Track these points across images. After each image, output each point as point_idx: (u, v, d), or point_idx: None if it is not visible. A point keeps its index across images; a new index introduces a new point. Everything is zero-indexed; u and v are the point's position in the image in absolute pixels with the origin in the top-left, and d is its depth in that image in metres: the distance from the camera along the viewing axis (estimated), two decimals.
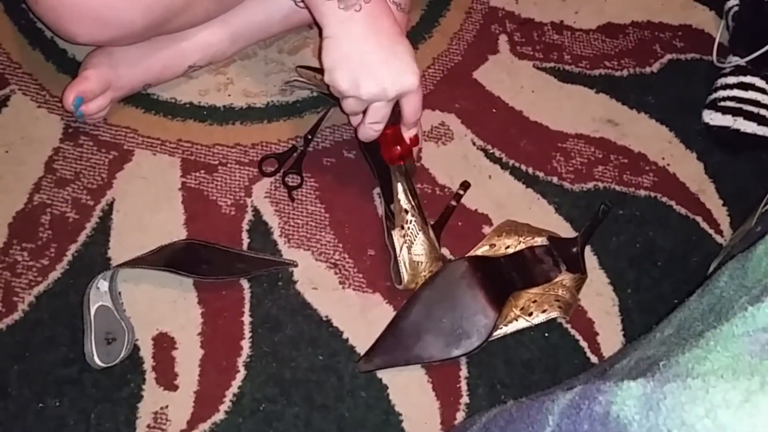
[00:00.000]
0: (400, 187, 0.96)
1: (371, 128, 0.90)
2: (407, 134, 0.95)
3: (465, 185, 1.04)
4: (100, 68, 0.97)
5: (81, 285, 0.90)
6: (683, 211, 1.09)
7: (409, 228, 0.95)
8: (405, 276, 0.95)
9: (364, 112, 0.90)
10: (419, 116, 0.92)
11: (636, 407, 0.48)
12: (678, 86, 1.20)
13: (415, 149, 0.97)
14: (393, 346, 0.93)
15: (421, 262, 0.95)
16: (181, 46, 1.00)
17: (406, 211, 0.96)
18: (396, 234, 0.96)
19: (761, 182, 1.09)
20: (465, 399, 0.93)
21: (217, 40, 1.03)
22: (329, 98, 0.99)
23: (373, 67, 0.84)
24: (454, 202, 1.03)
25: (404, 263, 0.95)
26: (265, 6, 1.04)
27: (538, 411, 0.56)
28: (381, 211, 1.01)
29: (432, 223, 1.00)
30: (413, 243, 0.95)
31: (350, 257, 0.99)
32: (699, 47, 1.24)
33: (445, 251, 1.01)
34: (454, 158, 1.07)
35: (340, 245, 0.99)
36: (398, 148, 0.94)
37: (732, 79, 1.15)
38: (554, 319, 0.97)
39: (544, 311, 0.95)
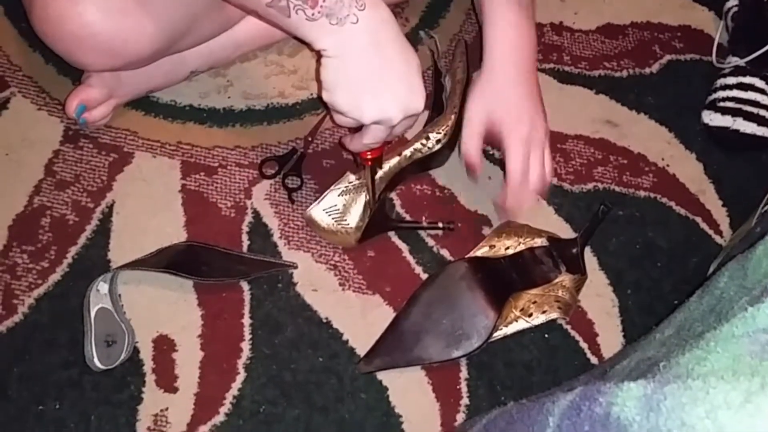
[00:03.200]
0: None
1: (365, 146, 0.85)
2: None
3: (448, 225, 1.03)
4: (102, 76, 0.97)
5: (81, 287, 0.90)
6: (683, 211, 1.09)
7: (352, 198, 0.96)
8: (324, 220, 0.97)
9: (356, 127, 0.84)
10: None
11: (636, 408, 0.48)
12: (677, 87, 1.20)
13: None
14: (393, 347, 0.93)
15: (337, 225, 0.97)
16: (183, 53, 1.00)
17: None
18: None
19: (761, 183, 1.09)
20: (465, 400, 0.93)
21: (220, 47, 1.03)
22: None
23: (377, 90, 0.76)
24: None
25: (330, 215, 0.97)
26: None
27: (538, 412, 0.56)
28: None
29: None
30: (349, 210, 0.96)
31: (350, 259, 0.99)
32: (698, 48, 1.24)
33: (444, 253, 1.01)
34: (454, 160, 1.07)
35: (340, 247, 0.99)
36: (375, 153, 0.90)
37: (731, 80, 1.15)
38: (554, 320, 0.97)
39: (543, 312, 0.95)
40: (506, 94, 0.97)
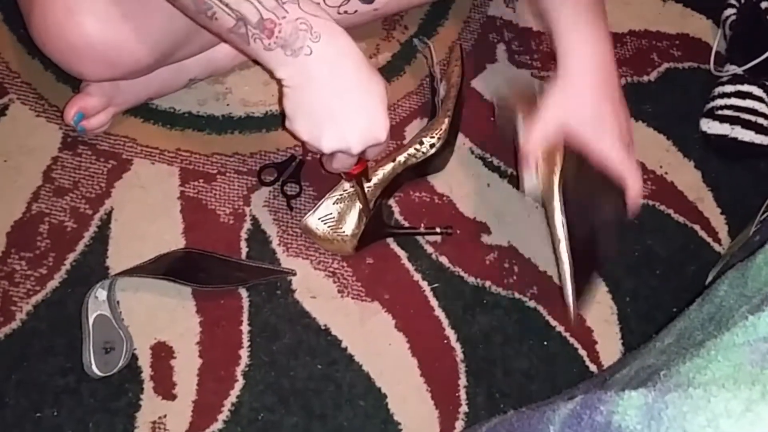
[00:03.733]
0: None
1: (336, 170, 0.86)
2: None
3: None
4: (101, 84, 0.97)
5: (79, 294, 0.90)
6: (681, 219, 1.09)
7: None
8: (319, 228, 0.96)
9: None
10: (382, 155, 0.87)
11: (638, 417, 0.48)
12: (675, 95, 1.20)
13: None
14: (586, 267, 0.91)
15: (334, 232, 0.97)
16: (183, 61, 1.00)
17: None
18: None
19: (759, 190, 1.09)
20: (464, 408, 0.92)
21: (218, 55, 1.03)
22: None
23: (336, 121, 0.76)
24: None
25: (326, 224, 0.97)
26: None
27: (539, 421, 0.56)
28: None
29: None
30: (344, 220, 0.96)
31: (349, 266, 0.99)
32: (696, 56, 1.24)
33: (443, 260, 1.01)
34: (453, 167, 1.07)
35: (339, 254, 0.99)
36: (354, 170, 0.89)
37: (729, 88, 1.16)
38: (553, 329, 0.97)
39: None
40: (586, 100, 0.90)
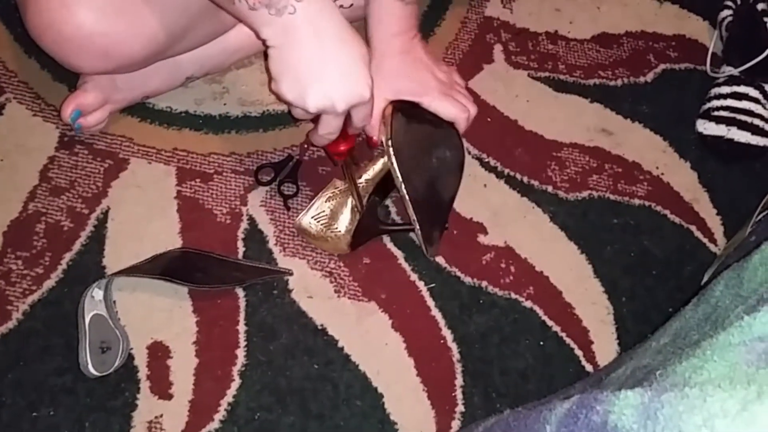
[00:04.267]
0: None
1: (324, 137, 0.87)
2: (353, 131, 0.92)
3: None
4: (98, 82, 0.97)
5: (76, 294, 0.90)
6: (677, 220, 1.09)
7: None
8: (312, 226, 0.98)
9: (315, 119, 0.85)
10: (369, 122, 0.89)
11: (634, 416, 0.48)
12: (672, 96, 1.20)
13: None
14: (430, 217, 0.99)
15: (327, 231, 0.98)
16: (179, 58, 1.00)
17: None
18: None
19: (755, 191, 1.09)
20: (460, 408, 0.93)
21: (215, 53, 1.03)
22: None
23: (320, 79, 0.78)
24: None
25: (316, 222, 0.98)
26: None
27: (535, 420, 0.56)
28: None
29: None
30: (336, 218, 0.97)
31: (345, 266, 0.99)
32: (693, 57, 1.24)
33: (440, 260, 1.01)
34: None
35: (335, 254, 0.99)
36: (342, 144, 0.91)
37: (725, 89, 1.16)
38: (549, 329, 0.98)
39: None
40: (399, 68, 1.00)
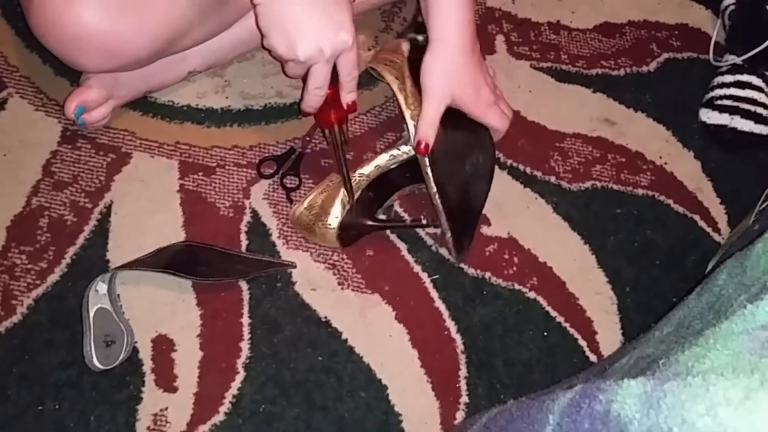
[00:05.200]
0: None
1: (315, 94, 0.89)
2: (346, 99, 0.92)
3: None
4: (101, 77, 0.97)
5: (80, 288, 0.90)
6: (681, 209, 1.09)
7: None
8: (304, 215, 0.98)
9: (304, 79, 0.89)
10: (355, 76, 0.90)
11: (636, 405, 0.48)
12: (675, 85, 1.20)
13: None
14: (462, 218, 0.98)
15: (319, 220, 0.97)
16: (182, 53, 1.00)
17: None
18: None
19: (758, 180, 1.09)
20: (464, 399, 0.93)
21: (217, 47, 1.03)
22: None
23: (307, 29, 0.82)
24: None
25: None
26: None
27: (538, 410, 0.56)
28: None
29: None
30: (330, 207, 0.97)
31: (349, 258, 0.99)
32: (696, 46, 1.24)
33: (443, 251, 1.01)
34: None
35: (330, 247, 0.99)
36: (332, 111, 0.92)
37: (729, 78, 1.15)
38: (553, 319, 0.98)
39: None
40: (463, 69, 0.96)
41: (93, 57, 0.89)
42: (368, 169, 0.98)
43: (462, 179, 0.98)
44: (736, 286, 0.65)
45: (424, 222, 1.01)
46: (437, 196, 0.95)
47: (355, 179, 0.97)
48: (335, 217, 0.96)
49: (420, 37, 1.03)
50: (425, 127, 0.93)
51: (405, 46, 1.02)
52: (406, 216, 1.03)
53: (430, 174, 0.94)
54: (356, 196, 0.96)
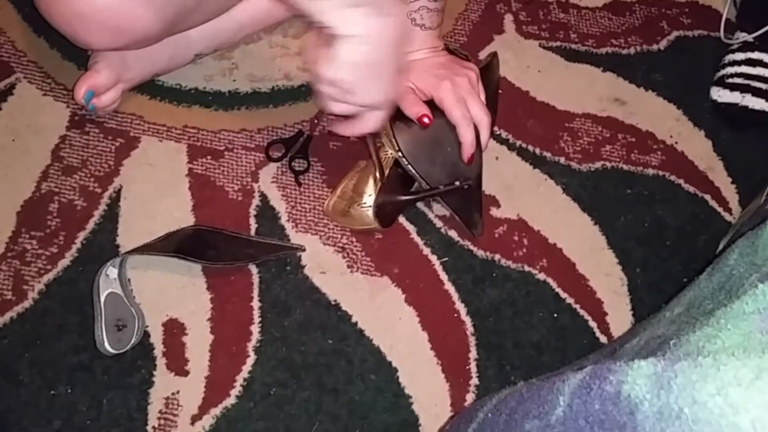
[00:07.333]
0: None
1: (358, 132, 0.86)
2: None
3: None
4: (109, 61, 0.97)
5: (90, 272, 0.91)
6: (692, 189, 1.09)
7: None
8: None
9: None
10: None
11: (647, 386, 0.48)
12: (685, 63, 1.19)
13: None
14: (463, 201, 0.98)
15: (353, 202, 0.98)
16: (188, 35, 1.00)
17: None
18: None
19: None
20: (475, 380, 0.93)
21: (224, 28, 1.03)
22: None
23: (384, 77, 0.78)
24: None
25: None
26: None
27: (548, 391, 0.56)
28: None
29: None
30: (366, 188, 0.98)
31: (358, 241, 0.99)
32: (706, 24, 1.23)
33: (453, 234, 1.01)
34: None
35: (348, 229, 0.99)
36: None
37: (740, 56, 1.14)
38: (563, 301, 0.98)
39: None
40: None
41: (100, 34, 0.88)
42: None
43: (447, 161, 0.97)
44: (748, 266, 0.64)
45: (457, 184, 0.98)
46: (429, 186, 0.96)
47: (383, 157, 0.96)
48: (369, 195, 0.97)
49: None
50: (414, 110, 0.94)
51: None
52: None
53: (413, 171, 0.95)
54: (386, 173, 0.96)
